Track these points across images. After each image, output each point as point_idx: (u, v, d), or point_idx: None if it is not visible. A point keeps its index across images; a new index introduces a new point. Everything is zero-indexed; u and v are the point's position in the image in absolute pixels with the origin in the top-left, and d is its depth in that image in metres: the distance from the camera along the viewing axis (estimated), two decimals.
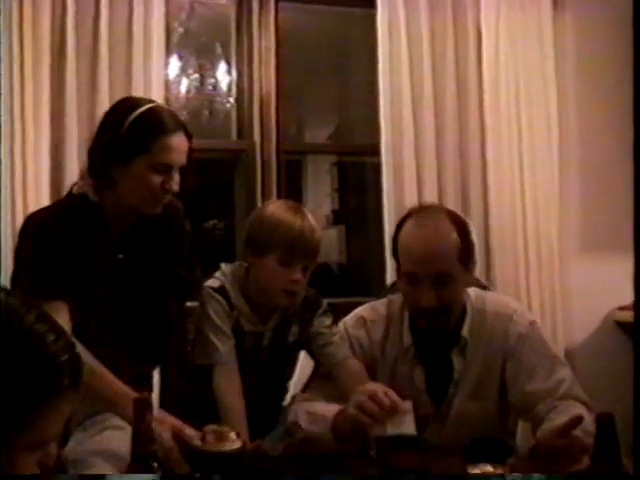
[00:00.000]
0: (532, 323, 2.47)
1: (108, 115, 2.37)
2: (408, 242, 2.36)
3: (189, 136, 2.33)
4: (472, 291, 2.49)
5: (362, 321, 2.51)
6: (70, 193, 2.39)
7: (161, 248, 2.43)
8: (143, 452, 1.63)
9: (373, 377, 2.42)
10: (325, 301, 2.50)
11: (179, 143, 2.29)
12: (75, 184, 2.40)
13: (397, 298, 2.50)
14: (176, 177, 2.31)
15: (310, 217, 2.37)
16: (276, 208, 2.39)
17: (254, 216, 2.46)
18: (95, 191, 2.32)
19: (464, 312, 2.43)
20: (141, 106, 2.31)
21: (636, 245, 1.87)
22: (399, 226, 2.41)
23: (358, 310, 2.57)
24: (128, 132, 2.26)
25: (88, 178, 2.34)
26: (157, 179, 2.27)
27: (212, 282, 2.43)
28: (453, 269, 2.31)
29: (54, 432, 1.19)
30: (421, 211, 2.45)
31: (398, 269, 2.42)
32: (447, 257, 2.31)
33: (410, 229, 2.37)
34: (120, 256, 2.37)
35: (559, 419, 2.13)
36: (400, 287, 2.43)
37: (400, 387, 2.41)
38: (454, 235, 2.33)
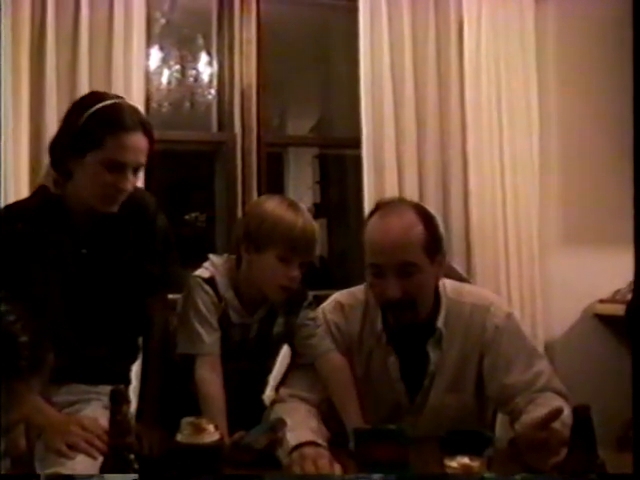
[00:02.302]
0: (509, 315, 2.48)
1: (71, 108, 2.37)
2: (372, 234, 2.37)
3: (150, 136, 2.31)
4: (448, 283, 2.49)
5: (340, 306, 2.52)
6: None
7: (128, 244, 2.41)
8: (119, 443, 1.63)
9: (350, 363, 2.44)
10: (310, 294, 2.51)
11: (135, 142, 2.27)
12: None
13: None
14: (130, 177, 2.29)
15: (308, 215, 2.39)
16: (276, 205, 2.38)
17: (253, 212, 2.46)
18: (56, 184, 2.32)
19: (438, 304, 2.43)
20: (104, 101, 2.30)
21: (636, 243, 1.88)
22: (367, 220, 2.44)
23: (336, 295, 2.58)
24: (84, 125, 2.25)
25: (51, 171, 2.34)
26: (109, 177, 2.26)
27: (202, 272, 2.42)
28: (418, 260, 2.31)
29: (13, 419, 1.18)
30: (385, 205, 2.46)
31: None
32: (411, 247, 2.31)
33: (375, 221, 2.39)
34: (84, 251, 2.36)
35: (538, 411, 2.14)
36: (367, 280, 2.43)
37: (375, 375, 2.45)
38: (419, 227, 2.34)
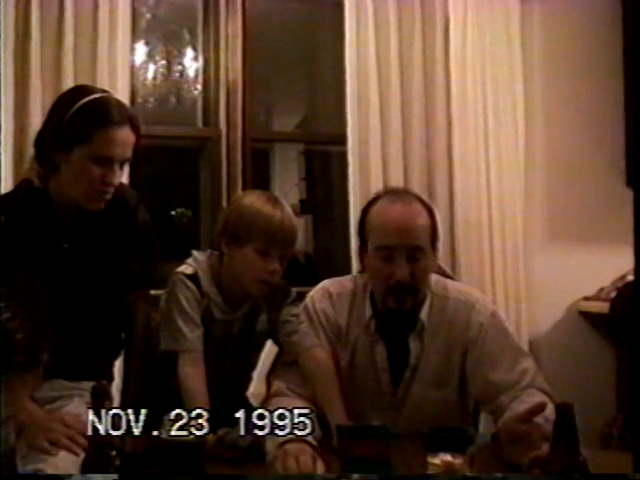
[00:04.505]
0: (494, 313, 2.49)
1: (57, 102, 2.36)
2: (383, 216, 2.40)
3: (136, 130, 2.31)
4: (434, 277, 2.51)
5: (328, 294, 2.53)
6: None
7: (109, 239, 2.41)
8: (101, 439, 1.63)
9: (337, 352, 2.45)
10: (294, 290, 2.51)
11: (122, 136, 2.27)
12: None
13: (362, 275, 2.53)
14: (117, 171, 2.29)
15: (288, 208, 2.39)
16: (255, 199, 2.39)
17: (231, 207, 2.49)
18: (40, 177, 2.32)
19: (424, 297, 2.44)
20: (90, 95, 2.30)
21: (636, 243, 1.88)
22: (368, 206, 2.46)
23: (324, 283, 2.59)
24: (71, 120, 2.25)
25: (35, 164, 2.34)
26: (96, 171, 2.26)
27: (185, 268, 2.43)
28: (425, 245, 2.37)
29: (5, 415, 1.18)
30: (391, 192, 2.52)
31: (362, 249, 2.46)
32: (420, 232, 2.37)
33: (383, 205, 2.42)
34: (65, 245, 2.36)
35: (521, 407, 2.14)
36: (371, 265, 2.43)
37: (361, 364, 2.46)
38: (425, 214, 2.40)
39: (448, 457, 1.72)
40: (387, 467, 1.86)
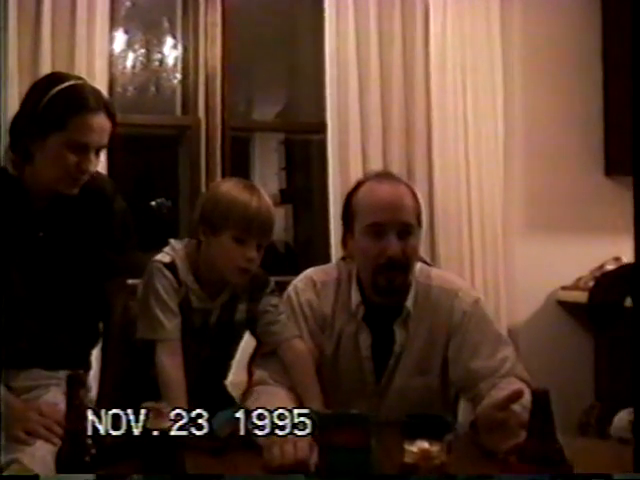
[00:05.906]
0: (477, 301, 2.50)
1: (32, 89, 2.36)
2: (372, 195, 2.42)
3: (112, 117, 2.30)
4: (418, 265, 2.51)
5: (312, 283, 2.52)
6: None
7: (85, 228, 2.40)
8: (77, 428, 1.62)
9: (321, 341, 2.46)
10: (272, 280, 2.51)
11: (98, 123, 2.26)
12: None
13: (346, 263, 2.54)
14: (93, 158, 2.29)
15: (265, 195, 2.38)
16: (231, 186, 2.38)
17: (208, 194, 2.48)
18: (14, 165, 2.30)
19: (410, 282, 2.44)
20: (65, 82, 2.29)
21: (636, 237, 1.88)
22: (354, 190, 2.48)
23: (308, 272, 2.58)
24: (46, 107, 2.24)
25: (9, 152, 2.32)
26: (72, 158, 2.25)
27: (162, 257, 2.41)
28: (414, 224, 2.40)
29: None
30: (377, 175, 2.55)
31: (347, 234, 2.47)
32: (410, 209, 2.40)
33: (371, 185, 2.45)
34: (40, 234, 2.35)
35: (500, 395, 2.14)
36: (360, 246, 2.43)
37: (345, 352, 2.47)
38: (411, 195, 2.44)
39: (425, 444, 1.72)
40: (367, 455, 1.86)
